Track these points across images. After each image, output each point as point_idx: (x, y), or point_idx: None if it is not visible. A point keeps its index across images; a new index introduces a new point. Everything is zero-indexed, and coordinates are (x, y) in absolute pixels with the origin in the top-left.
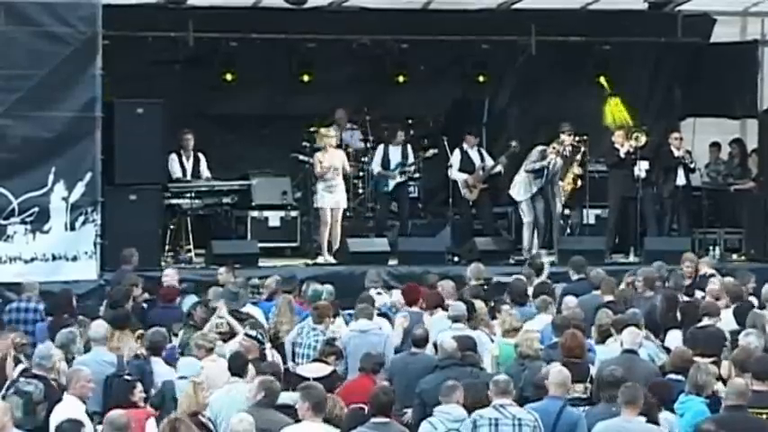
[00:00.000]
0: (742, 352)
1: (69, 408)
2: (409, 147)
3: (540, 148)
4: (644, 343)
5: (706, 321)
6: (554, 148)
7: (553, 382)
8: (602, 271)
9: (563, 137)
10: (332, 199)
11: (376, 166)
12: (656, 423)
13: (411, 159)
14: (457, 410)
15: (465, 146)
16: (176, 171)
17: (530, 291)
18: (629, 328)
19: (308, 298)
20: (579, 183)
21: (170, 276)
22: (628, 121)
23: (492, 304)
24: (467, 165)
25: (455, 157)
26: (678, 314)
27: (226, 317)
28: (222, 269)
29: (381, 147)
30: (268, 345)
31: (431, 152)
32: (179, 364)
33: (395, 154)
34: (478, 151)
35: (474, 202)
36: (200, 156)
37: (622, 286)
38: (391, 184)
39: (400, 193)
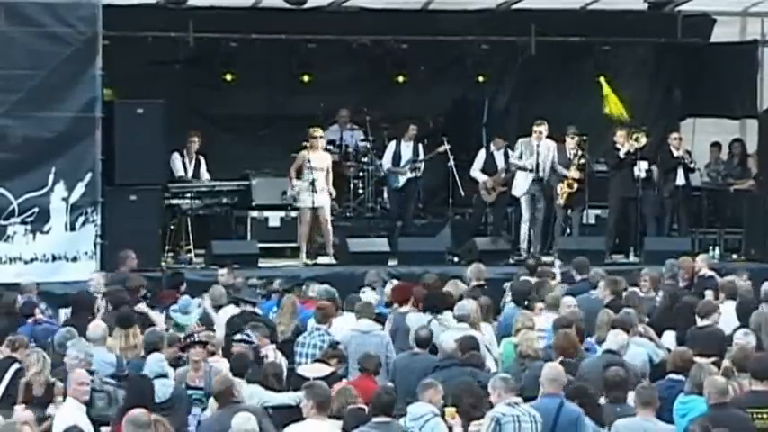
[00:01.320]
0: (740, 351)
1: (70, 411)
2: (420, 144)
3: (520, 141)
4: (641, 341)
5: (705, 321)
6: (534, 133)
7: (546, 378)
8: (601, 270)
9: (568, 139)
10: (314, 199)
11: (387, 163)
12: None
13: (422, 156)
14: (418, 408)
15: (492, 147)
16: (179, 170)
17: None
18: (613, 329)
19: (315, 297)
20: (576, 186)
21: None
22: (624, 116)
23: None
24: (489, 166)
25: (479, 158)
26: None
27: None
28: (223, 270)
29: (393, 143)
30: (272, 345)
31: (443, 148)
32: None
33: (406, 150)
34: (505, 154)
35: (489, 203)
36: (201, 159)
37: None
38: (401, 180)
39: (408, 191)
